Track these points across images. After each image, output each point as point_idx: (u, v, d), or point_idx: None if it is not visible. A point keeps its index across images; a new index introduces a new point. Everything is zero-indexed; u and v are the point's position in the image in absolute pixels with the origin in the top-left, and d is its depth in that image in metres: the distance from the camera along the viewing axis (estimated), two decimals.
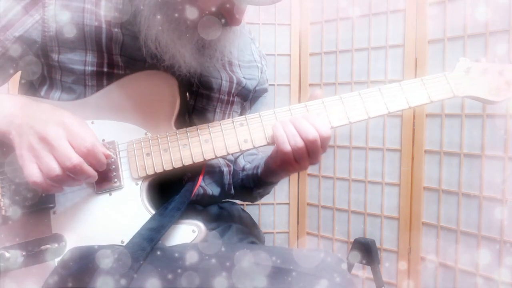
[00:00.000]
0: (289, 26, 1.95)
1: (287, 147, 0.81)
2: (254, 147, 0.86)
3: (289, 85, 1.96)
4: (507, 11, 1.40)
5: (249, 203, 1.90)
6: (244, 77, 1.04)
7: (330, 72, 1.90)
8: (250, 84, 1.06)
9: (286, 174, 0.93)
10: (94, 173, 0.77)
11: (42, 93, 0.90)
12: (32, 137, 0.73)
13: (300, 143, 0.80)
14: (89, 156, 0.75)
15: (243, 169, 1.07)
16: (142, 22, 0.84)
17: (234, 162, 1.11)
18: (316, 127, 0.81)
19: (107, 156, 0.79)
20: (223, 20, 0.81)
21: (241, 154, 1.12)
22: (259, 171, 1.01)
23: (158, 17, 0.81)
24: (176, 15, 0.80)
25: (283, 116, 0.86)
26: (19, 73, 0.94)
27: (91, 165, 0.76)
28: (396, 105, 0.87)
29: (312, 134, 0.80)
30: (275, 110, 0.87)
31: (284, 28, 1.95)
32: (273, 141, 0.85)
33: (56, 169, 0.72)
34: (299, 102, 1.94)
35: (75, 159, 0.73)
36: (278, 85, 1.92)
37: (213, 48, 0.88)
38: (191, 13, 0.79)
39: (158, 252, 0.74)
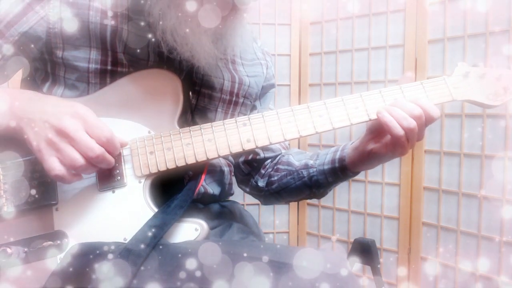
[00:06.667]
0: (289, 26, 1.95)
1: (400, 131, 0.82)
2: (257, 147, 0.86)
3: (289, 85, 1.97)
4: (507, 11, 1.40)
5: (251, 202, 1.90)
6: (247, 75, 1.04)
7: (330, 72, 1.90)
8: (255, 82, 1.06)
9: (390, 158, 0.92)
10: (113, 160, 0.78)
11: (45, 89, 0.90)
12: (48, 131, 0.73)
13: (412, 123, 0.82)
14: (108, 145, 0.76)
15: (308, 167, 1.03)
16: (157, 15, 0.84)
17: (279, 163, 1.09)
18: (419, 104, 0.84)
19: (123, 144, 0.81)
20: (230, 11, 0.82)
21: (280, 157, 1.11)
22: (345, 163, 0.97)
23: (173, 8, 0.82)
24: (190, 4, 0.81)
25: (286, 116, 0.86)
26: (21, 69, 0.94)
27: (109, 152, 0.77)
28: None
29: (418, 111, 0.83)
30: (278, 111, 0.87)
31: (284, 28, 1.95)
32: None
33: (79, 160, 0.72)
34: (299, 102, 1.95)
35: (97, 149, 0.74)
36: (278, 85, 1.92)
37: (227, 40, 0.89)
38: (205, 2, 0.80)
39: (161, 249, 0.74)
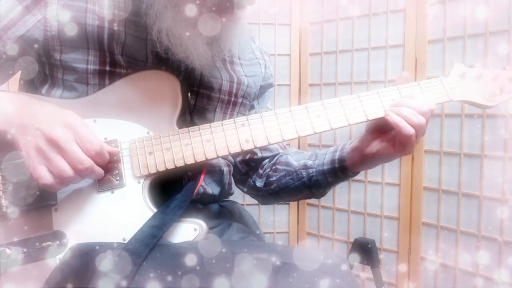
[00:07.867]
0: (289, 26, 1.95)
1: (411, 130, 0.83)
2: (255, 147, 0.86)
3: (289, 85, 1.97)
4: (507, 11, 1.40)
5: (251, 202, 1.90)
6: (246, 75, 1.04)
7: (330, 72, 1.90)
8: (254, 82, 1.06)
9: (397, 157, 0.93)
10: (102, 172, 0.78)
11: (43, 91, 0.90)
12: (39, 139, 0.73)
13: (422, 120, 0.83)
14: (98, 158, 0.76)
15: (307, 167, 1.03)
16: (153, 15, 0.84)
17: (277, 163, 1.10)
18: (423, 101, 0.85)
19: (114, 153, 0.81)
20: (226, 14, 0.82)
21: (278, 157, 1.11)
22: (345, 164, 0.97)
23: (169, 9, 0.82)
24: (187, 6, 0.81)
25: (284, 117, 0.87)
26: (19, 71, 0.94)
27: (98, 165, 0.77)
28: None
29: (426, 106, 0.84)
30: (276, 111, 0.88)
31: (284, 28, 1.95)
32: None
33: (68, 171, 0.72)
34: (299, 102, 1.95)
35: (87, 162, 0.74)
36: (278, 85, 1.93)
37: (223, 42, 0.89)
38: (202, 3, 0.80)
39: (161, 249, 0.74)
